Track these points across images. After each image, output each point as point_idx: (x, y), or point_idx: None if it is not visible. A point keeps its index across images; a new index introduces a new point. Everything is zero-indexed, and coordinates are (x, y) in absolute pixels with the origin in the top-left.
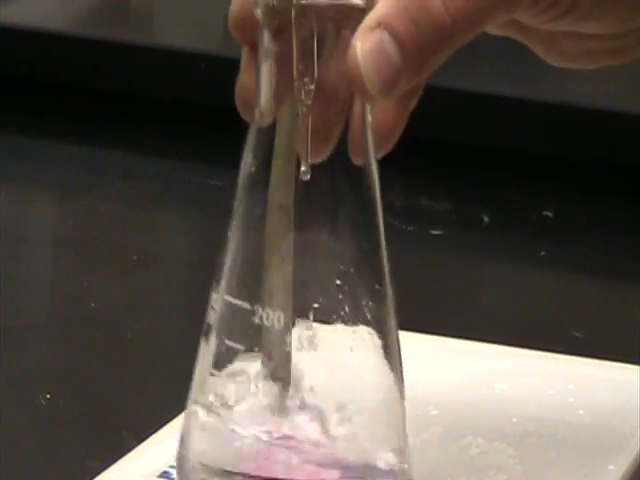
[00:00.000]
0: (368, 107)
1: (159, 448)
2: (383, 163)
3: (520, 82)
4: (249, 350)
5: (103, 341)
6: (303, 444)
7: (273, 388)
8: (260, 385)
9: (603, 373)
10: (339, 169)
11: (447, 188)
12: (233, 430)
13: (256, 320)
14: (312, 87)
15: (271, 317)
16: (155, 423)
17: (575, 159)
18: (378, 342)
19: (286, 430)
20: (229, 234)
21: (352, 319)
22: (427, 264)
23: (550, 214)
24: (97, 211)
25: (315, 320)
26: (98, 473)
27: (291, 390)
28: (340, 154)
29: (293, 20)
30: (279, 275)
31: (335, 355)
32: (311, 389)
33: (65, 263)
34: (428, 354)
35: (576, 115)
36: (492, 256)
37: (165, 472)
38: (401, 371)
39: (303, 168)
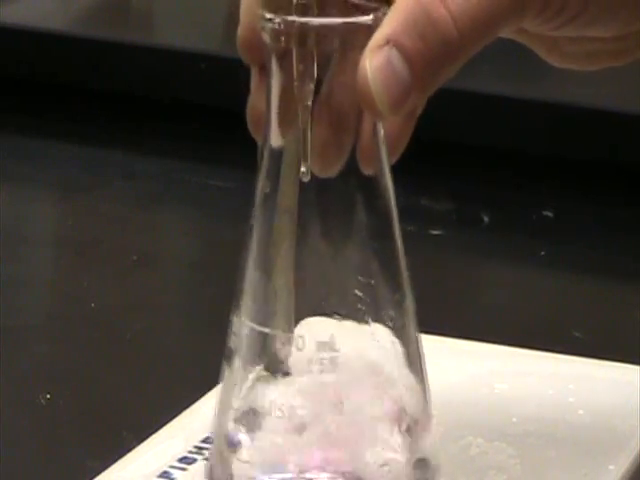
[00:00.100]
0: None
1: (159, 448)
2: None
3: (520, 82)
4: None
5: (103, 341)
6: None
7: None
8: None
9: (603, 373)
10: (355, 178)
11: (447, 188)
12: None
13: (279, 344)
14: (312, 87)
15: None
16: (155, 423)
17: (575, 159)
18: (400, 350)
19: (315, 459)
20: (245, 256)
21: (374, 330)
22: (427, 264)
23: (550, 214)
24: (97, 211)
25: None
26: (98, 473)
27: (319, 412)
28: (356, 164)
29: (295, 36)
30: (282, 276)
31: (358, 372)
32: (338, 408)
33: (65, 263)
34: (428, 354)
35: (576, 115)
36: (492, 256)
37: (165, 472)
38: (425, 377)
39: (303, 169)
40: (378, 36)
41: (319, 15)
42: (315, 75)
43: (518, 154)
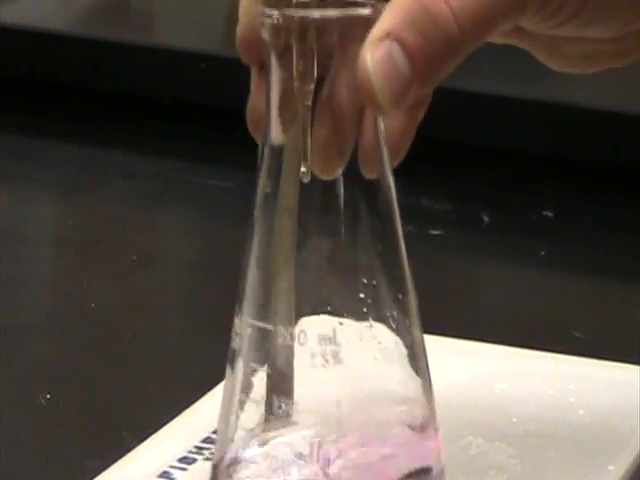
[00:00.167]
0: (380, 119)
1: (159, 448)
2: None
3: (520, 82)
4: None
5: (103, 341)
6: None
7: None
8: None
9: (603, 373)
10: (357, 180)
11: (447, 188)
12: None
13: (281, 340)
14: (312, 87)
15: (283, 332)
16: (155, 423)
17: (575, 159)
18: (404, 351)
19: (315, 462)
20: (247, 257)
21: (377, 331)
22: (427, 264)
23: (550, 214)
24: (97, 211)
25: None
26: (98, 473)
27: (318, 405)
28: (355, 166)
29: (296, 31)
30: (283, 276)
31: (362, 368)
32: (338, 404)
33: (65, 263)
34: (428, 354)
35: (576, 115)
36: (492, 256)
37: (165, 472)
38: (429, 378)
39: (303, 169)
40: (378, 29)
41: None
42: (315, 75)
43: (518, 154)
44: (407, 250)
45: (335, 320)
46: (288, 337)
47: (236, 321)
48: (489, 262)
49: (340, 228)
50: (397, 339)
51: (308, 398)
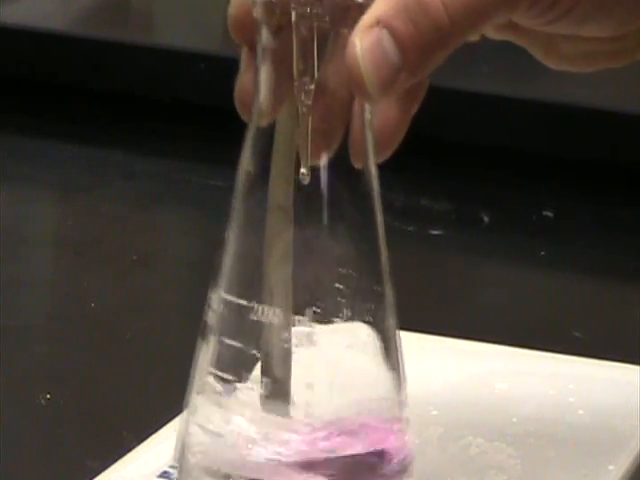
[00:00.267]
0: (367, 107)
1: (159, 448)
2: (383, 163)
3: (520, 82)
4: (249, 348)
5: (103, 341)
6: (298, 445)
7: (271, 389)
8: (258, 386)
9: (603, 373)
10: (339, 171)
11: (447, 188)
12: (231, 433)
13: (255, 317)
14: (312, 87)
15: (270, 314)
16: (155, 423)
17: (575, 159)
18: (378, 343)
19: (283, 433)
20: (227, 234)
21: (351, 321)
22: (427, 264)
23: (550, 214)
24: (97, 211)
25: (314, 321)
26: (98, 473)
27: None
28: (341, 155)
29: (293, 19)
30: (279, 274)
31: (334, 352)
32: (309, 386)
33: (65, 263)
34: (428, 354)
35: (576, 115)
36: (492, 256)
37: (165, 472)
38: (402, 371)
39: (303, 170)
40: (369, 16)
41: None
42: (316, 75)
43: (518, 154)
44: (407, 250)
45: (311, 308)
46: (287, 334)
47: (211, 295)
48: (489, 262)
49: (320, 217)
50: (371, 330)
51: None
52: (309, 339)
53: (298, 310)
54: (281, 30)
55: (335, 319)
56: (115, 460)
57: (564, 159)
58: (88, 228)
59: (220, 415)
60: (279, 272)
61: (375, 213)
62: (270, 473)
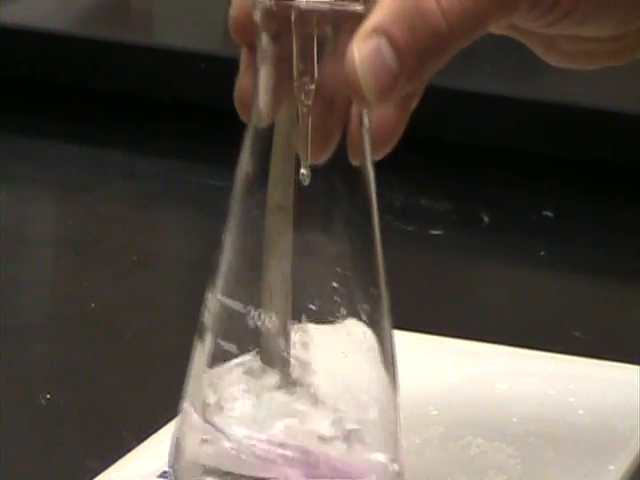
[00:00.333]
0: (365, 112)
1: (159, 448)
2: (383, 163)
3: (520, 82)
4: (243, 351)
5: (103, 341)
6: (295, 447)
7: (268, 390)
8: (254, 386)
9: (603, 373)
10: (337, 170)
11: (447, 188)
12: (226, 431)
13: (251, 322)
14: (312, 87)
15: (267, 319)
16: (155, 423)
17: (575, 159)
18: (373, 344)
19: (279, 433)
20: (225, 234)
21: (347, 321)
22: (427, 264)
23: (550, 214)
24: (97, 211)
25: (309, 321)
26: (98, 473)
27: (286, 392)
28: (338, 155)
29: (293, 24)
30: (277, 276)
31: (330, 359)
32: (307, 391)
33: (65, 263)
34: (428, 354)
35: (576, 115)
36: (492, 256)
37: (165, 472)
38: (395, 372)
39: (303, 171)
40: (367, 25)
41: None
42: (316, 75)
43: (518, 154)
44: (407, 250)
45: (307, 307)
46: (283, 340)
47: (208, 295)
48: (489, 262)
49: (316, 216)
50: (366, 330)
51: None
52: (305, 346)
53: (295, 308)
54: (280, 35)
55: (331, 318)
56: (115, 460)
57: (564, 159)
58: (88, 228)
59: (220, 415)
60: (279, 272)
61: (372, 213)
62: (269, 471)
